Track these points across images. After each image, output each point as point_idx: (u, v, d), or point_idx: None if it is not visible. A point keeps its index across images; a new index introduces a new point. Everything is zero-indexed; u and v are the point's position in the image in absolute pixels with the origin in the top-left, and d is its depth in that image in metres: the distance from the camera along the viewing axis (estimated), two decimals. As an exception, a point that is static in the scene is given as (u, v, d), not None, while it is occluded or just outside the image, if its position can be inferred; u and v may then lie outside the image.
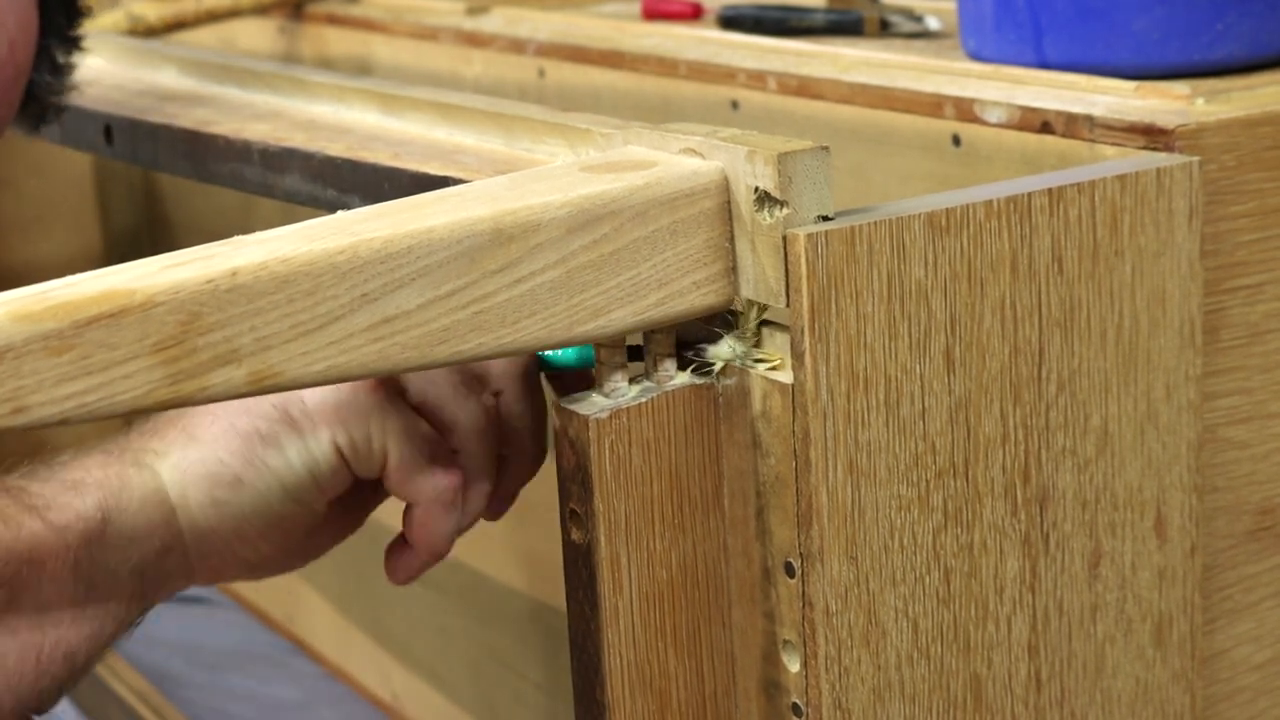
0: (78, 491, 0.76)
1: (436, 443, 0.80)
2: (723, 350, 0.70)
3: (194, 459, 0.78)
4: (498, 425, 0.81)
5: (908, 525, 0.69)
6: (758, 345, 0.69)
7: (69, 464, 0.78)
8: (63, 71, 0.93)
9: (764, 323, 0.69)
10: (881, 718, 0.70)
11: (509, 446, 0.82)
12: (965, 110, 0.87)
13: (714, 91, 1.03)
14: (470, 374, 0.80)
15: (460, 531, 0.82)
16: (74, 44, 0.94)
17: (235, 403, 0.78)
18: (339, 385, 0.77)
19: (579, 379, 0.77)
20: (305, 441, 0.78)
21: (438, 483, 0.79)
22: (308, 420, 0.78)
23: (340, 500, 0.81)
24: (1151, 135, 0.77)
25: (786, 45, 1.03)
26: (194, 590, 0.97)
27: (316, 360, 0.63)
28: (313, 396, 0.78)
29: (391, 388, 0.79)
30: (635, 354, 0.71)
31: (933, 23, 1.06)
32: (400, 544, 0.82)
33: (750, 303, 0.68)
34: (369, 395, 0.78)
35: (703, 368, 0.70)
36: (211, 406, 0.78)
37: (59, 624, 0.75)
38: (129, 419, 0.69)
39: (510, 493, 0.84)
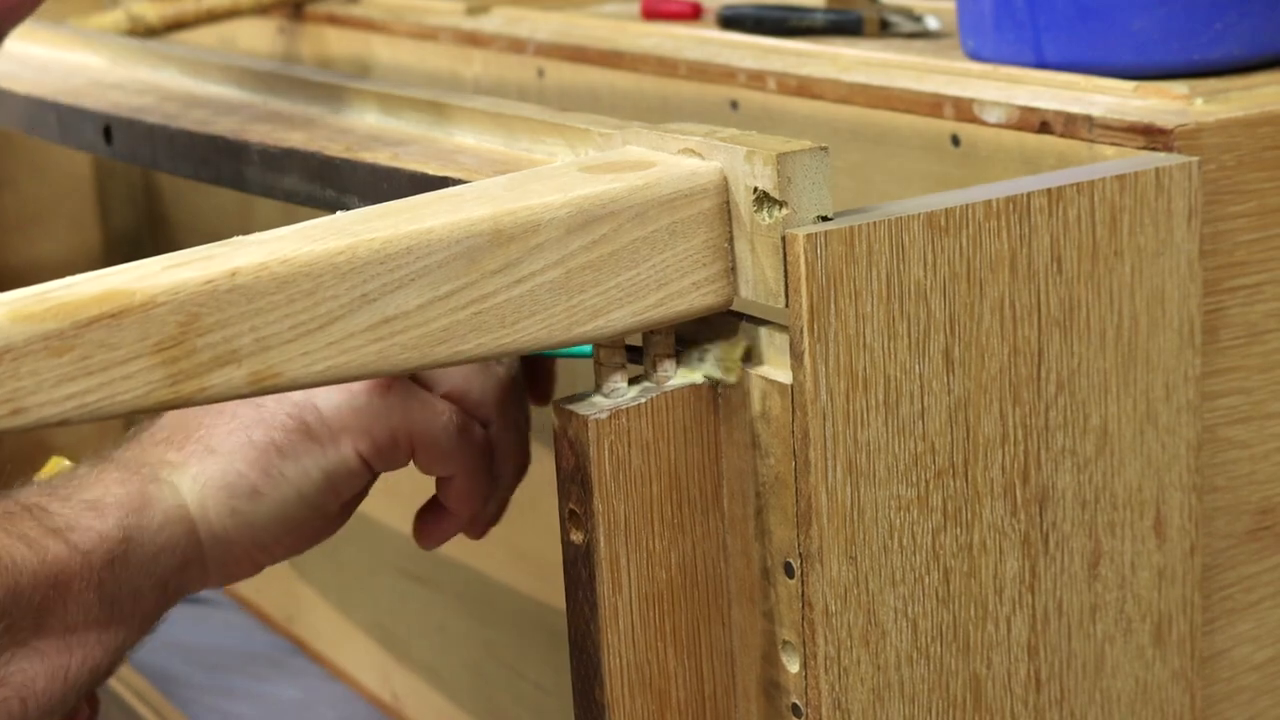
0: (99, 512, 0.76)
1: (459, 417, 0.79)
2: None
3: (213, 471, 0.78)
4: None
5: (907, 525, 0.69)
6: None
7: (87, 481, 0.77)
8: None
9: (763, 322, 0.69)
10: (881, 718, 0.70)
11: (498, 467, 0.82)
12: (964, 110, 0.87)
13: (714, 91, 1.03)
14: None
15: (503, 497, 0.82)
16: None
17: (250, 412, 0.78)
18: (352, 387, 0.78)
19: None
20: (325, 451, 0.78)
21: (469, 455, 0.79)
22: (325, 429, 0.78)
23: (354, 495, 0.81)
24: (1151, 135, 0.77)
25: (786, 45, 1.03)
26: (194, 591, 0.97)
27: (317, 361, 0.63)
28: (328, 403, 0.78)
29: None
30: (634, 355, 0.71)
31: (932, 23, 1.06)
32: (434, 509, 0.82)
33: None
34: (385, 394, 0.78)
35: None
36: (227, 414, 0.79)
37: (85, 643, 0.75)
38: (129, 419, 0.68)
39: (503, 502, 0.84)
